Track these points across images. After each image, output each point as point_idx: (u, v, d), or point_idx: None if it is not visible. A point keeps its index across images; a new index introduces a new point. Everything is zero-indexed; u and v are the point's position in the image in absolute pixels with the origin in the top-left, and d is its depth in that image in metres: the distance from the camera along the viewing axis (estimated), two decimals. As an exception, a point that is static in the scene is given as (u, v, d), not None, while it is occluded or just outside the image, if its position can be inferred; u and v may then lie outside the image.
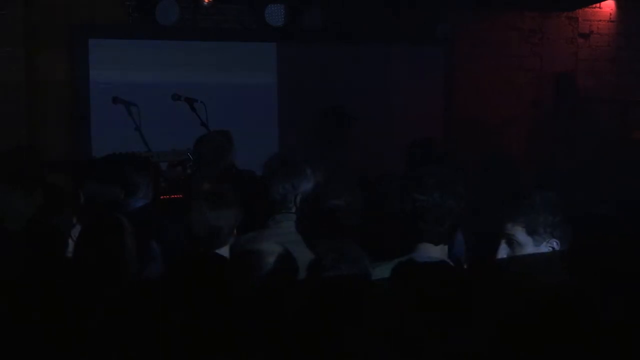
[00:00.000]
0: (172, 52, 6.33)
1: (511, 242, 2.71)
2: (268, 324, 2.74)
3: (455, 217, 2.75)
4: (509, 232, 2.72)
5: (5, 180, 3.55)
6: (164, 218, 3.98)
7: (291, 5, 6.47)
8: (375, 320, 2.54)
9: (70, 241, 3.07)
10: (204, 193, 3.41)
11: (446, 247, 2.78)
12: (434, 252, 2.75)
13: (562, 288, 2.54)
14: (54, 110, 6.10)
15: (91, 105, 6.27)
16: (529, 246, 2.70)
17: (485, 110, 7.40)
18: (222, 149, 5.00)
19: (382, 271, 2.83)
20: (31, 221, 3.14)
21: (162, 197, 4.67)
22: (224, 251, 3.35)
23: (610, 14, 8.02)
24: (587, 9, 7.92)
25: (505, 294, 2.55)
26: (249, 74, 6.70)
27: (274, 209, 3.54)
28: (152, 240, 3.68)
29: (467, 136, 7.22)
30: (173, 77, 6.10)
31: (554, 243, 2.70)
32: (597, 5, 7.92)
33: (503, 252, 2.73)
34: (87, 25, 6.19)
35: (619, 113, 7.50)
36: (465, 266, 3.28)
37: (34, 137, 5.91)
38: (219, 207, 3.31)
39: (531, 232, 2.69)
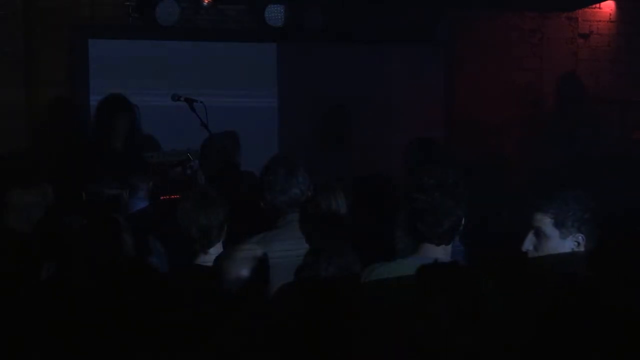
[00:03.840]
0: (172, 52, 6.32)
1: (538, 234, 2.77)
2: (257, 325, 2.76)
3: (455, 218, 2.75)
4: (537, 223, 2.80)
5: (17, 183, 3.56)
6: (165, 218, 3.99)
7: (291, 5, 6.47)
8: (370, 320, 2.55)
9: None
10: (192, 194, 3.45)
11: (449, 247, 2.79)
12: (437, 253, 2.75)
13: (581, 285, 2.56)
14: (54, 110, 6.09)
15: (91, 106, 6.27)
16: (555, 239, 2.78)
17: (485, 110, 7.39)
18: (228, 150, 5.03)
19: (381, 272, 2.83)
20: (41, 221, 3.15)
21: (162, 197, 4.68)
22: (217, 249, 3.37)
23: (610, 14, 8.02)
24: (587, 9, 7.91)
25: (523, 293, 2.57)
26: (248, 74, 6.69)
27: (282, 210, 3.55)
28: (153, 239, 3.69)
29: (467, 136, 7.21)
30: (173, 77, 6.09)
31: (580, 237, 2.78)
32: (597, 5, 7.91)
33: (529, 243, 2.80)
34: (87, 25, 6.18)
35: (619, 113, 7.49)
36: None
37: (34, 138, 5.91)
38: (207, 206, 3.35)
39: (559, 225, 2.78)
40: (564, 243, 2.79)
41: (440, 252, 2.75)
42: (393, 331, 2.43)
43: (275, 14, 6.44)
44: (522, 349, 2.38)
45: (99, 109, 5.41)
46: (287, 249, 3.39)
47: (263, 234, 3.55)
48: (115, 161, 5.24)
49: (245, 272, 2.98)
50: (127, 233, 3.11)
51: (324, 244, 3.11)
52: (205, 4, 6.30)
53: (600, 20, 8.00)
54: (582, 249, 2.83)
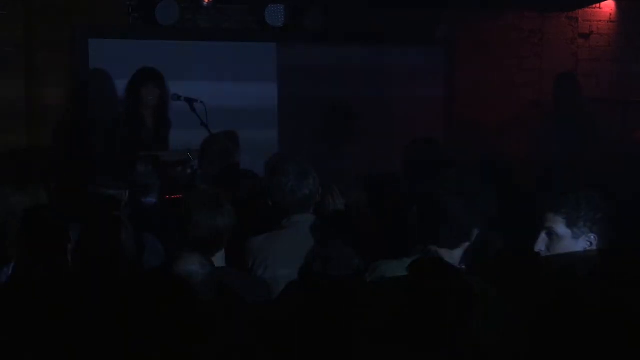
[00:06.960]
0: (172, 52, 6.32)
1: (551, 234, 2.80)
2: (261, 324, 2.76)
3: (468, 225, 2.78)
4: (550, 223, 2.83)
5: (8, 182, 3.55)
6: (165, 218, 3.99)
7: (291, 5, 6.47)
8: (374, 319, 2.54)
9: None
10: (201, 195, 3.42)
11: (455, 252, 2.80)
12: (443, 254, 2.76)
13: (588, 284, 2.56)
14: (54, 110, 6.09)
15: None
16: (568, 239, 2.81)
17: (485, 110, 7.39)
18: (228, 150, 5.03)
19: (385, 269, 2.83)
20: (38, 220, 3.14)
21: (166, 196, 4.68)
22: (221, 252, 3.36)
23: (610, 14, 8.02)
24: (587, 9, 7.91)
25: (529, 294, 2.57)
26: (249, 74, 6.69)
27: (289, 210, 3.54)
28: (153, 238, 3.69)
29: (467, 136, 7.21)
30: (173, 77, 6.09)
31: (592, 237, 2.80)
32: (597, 5, 7.91)
33: (542, 243, 2.83)
34: (87, 25, 6.18)
35: (619, 113, 7.49)
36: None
37: (33, 137, 5.90)
38: (221, 208, 3.32)
39: (571, 225, 2.80)
40: (577, 243, 2.82)
41: (445, 253, 2.76)
42: (394, 331, 2.43)
43: (275, 14, 6.44)
44: (526, 348, 2.38)
45: (129, 81, 5.53)
46: (291, 249, 3.38)
47: (267, 233, 3.55)
48: (145, 135, 5.32)
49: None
50: (127, 232, 3.10)
51: (327, 243, 3.11)
52: (205, 4, 6.30)
53: (600, 20, 8.00)
54: (594, 248, 2.85)
